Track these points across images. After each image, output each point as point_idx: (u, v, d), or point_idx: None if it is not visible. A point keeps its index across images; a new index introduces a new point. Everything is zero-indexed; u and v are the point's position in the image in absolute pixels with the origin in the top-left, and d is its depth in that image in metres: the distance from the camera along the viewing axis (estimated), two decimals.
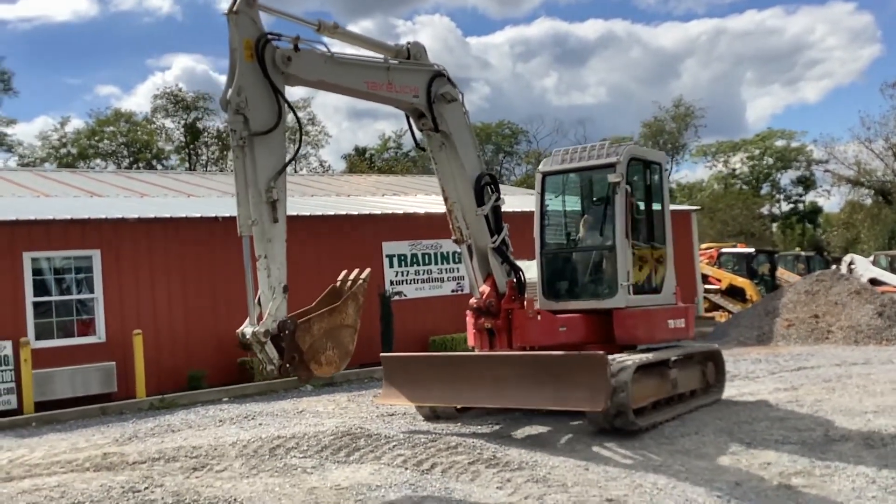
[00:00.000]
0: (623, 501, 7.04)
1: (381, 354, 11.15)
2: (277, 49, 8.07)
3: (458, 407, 10.83)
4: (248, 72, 7.83)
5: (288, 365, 7.49)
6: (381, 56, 9.60)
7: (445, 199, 10.33)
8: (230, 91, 7.75)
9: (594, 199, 11.44)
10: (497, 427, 10.37)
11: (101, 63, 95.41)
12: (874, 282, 24.36)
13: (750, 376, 13.83)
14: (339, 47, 9.14)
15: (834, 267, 27.52)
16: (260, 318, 7.59)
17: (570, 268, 11.34)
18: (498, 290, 10.35)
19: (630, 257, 10.65)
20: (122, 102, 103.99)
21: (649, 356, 10.06)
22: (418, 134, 10.30)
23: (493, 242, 10.32)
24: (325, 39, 9.11)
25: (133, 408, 13.96)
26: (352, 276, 8.44)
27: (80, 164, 59.80)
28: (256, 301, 7.62)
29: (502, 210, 10.60)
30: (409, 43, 9.82)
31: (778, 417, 10.16)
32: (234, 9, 7.86)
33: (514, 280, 10.47)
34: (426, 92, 9.75)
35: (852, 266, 26.59)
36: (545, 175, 11.38)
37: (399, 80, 9.49)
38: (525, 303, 10.33)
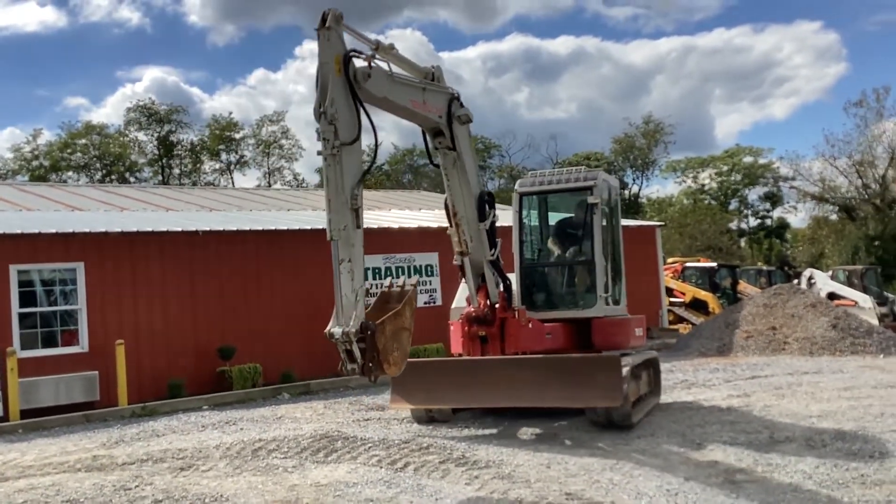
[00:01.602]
0: (581, 495, 7.66)
1: None
2: (359, 66, 8.68)
3: (454, 410, 11.56)
4: (338, 85, 8.37)
5: (370, 364, 7.90)
6: (415, 77, 10.28)
7: (454, 214, 10.94)
8: (323, 103, 8.23)
9: (570, 217, 12.34)
10: (480, 430, 10.98)
11: (71, 75, 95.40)
12: (832, 296, 25.20)
13: (706, 384, 14.56)
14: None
15: (795, 281, 28.39)
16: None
17: (550, 280, 12.18)
18: (490, 300, 11.08)
19: (608, 271, 11.63)
20: (92, 114, 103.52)
21: (633, 359, 10.99)
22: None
23: (492, 255, 11.09)
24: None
25: (116, 415, 14.43)
26: (399, 282, 8.98)
27: (52, 177, 59.78)
28: (341, 302, 7.97)
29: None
30: (433, 67, 10.57)
31: (729, 421, 10.86)
32: (327, 25, 8.45)
33: (505, 291, 11.24)
34: (447, 113, 10.51)
35: (812, 280, 27.44)
36: (522, 195, 12.18)
37: (430, 100, 10.24)
38: (517, 312, 11.11)
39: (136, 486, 8.63)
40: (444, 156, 10.78)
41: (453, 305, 12.56)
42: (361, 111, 8.61)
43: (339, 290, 7.98)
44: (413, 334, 8.53)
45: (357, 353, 7.84)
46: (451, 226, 11.00)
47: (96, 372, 15.22)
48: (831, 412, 11.18)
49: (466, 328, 11.08)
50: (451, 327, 11.57)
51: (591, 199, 11.53)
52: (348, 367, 7.95)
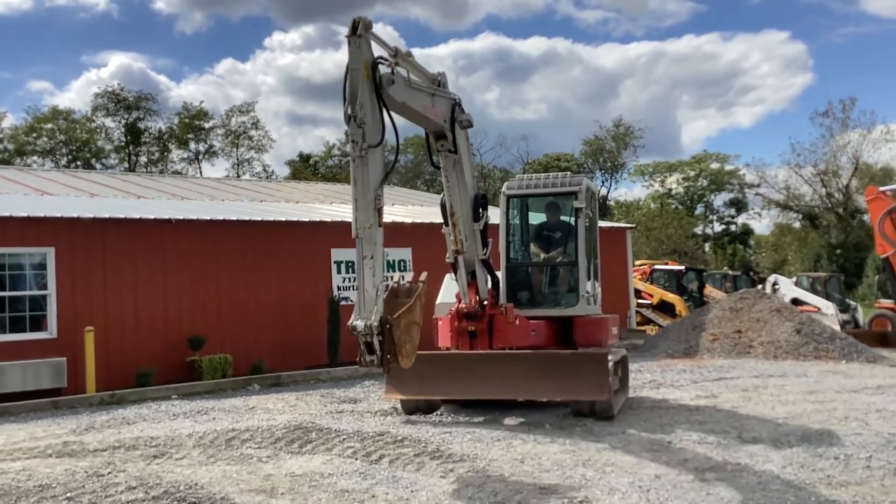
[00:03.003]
0: (554, 489, 7.76)
1: None
2: (383, 72, 8.93)
3: (441, 401, 11.79)
4: (366, 90, 8.63)
5: (389, 356, 8.12)
6: (425, 83, 10.48)
7: (452, 214, 11.19)
8: (353, 106, 8.48)
9: (555, 220, 12.65)
10: (456, 423, 11.08)
11: (35, 58, 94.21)
12: (796, 301, 25.59)
13: (675, 384, 14.77)
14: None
15: (759, 286, 28.81)
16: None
17: (535, 280, 12.48)
18: (480, 297, 11.37)
19: (590, 271, 12.08)
20: (56, 98, 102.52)
21: (613, 356, 11.36)
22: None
23: (484, 254, 11.42)
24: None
25: (84, 402, 14.30)
26: (409, 278, 9.24)
27: (16, 161, 58.92)
28: (363, 297, 8.21)
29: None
30: (439, 73, 10.85)
31: (697, 420, 11.04)
32: (358, 33, 8.66)
33: (494, 289, 11.56)
34: (451, 117, 10.79)
35: (776, 286, 27.84)
36: (509, 197, 12.48)
37: (437, 105, 10.52)
38: (505, 309, 11.41)
39: (109, 473, 8.57)
40: (445, 158, 11.01)
41: (438, 301, 12.80)
42: (385, 115, 8.87)
43: (362, 286, 8.26)
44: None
45: (376, 346, 8.07)
46: (447, 225, 11.27)
47: (64, 358, 15.07)
48: (797, 414, 11.40)
49: (456, 323, 11.35)
50: (439, 322, 11.81)
51: (576, 204, 11.99)
52: (367, 359, 8.18)
